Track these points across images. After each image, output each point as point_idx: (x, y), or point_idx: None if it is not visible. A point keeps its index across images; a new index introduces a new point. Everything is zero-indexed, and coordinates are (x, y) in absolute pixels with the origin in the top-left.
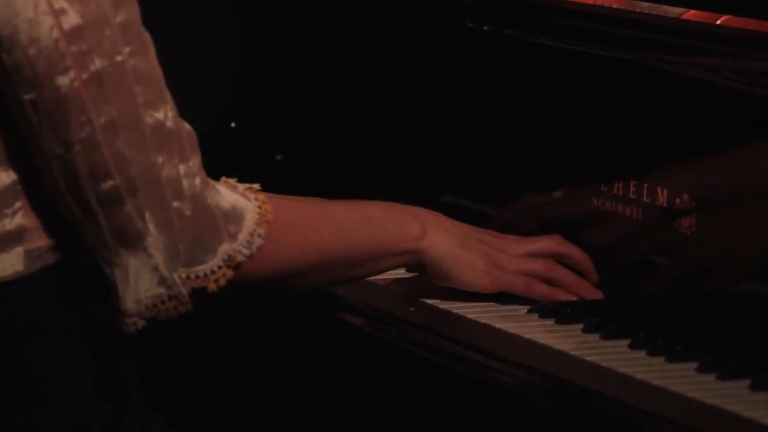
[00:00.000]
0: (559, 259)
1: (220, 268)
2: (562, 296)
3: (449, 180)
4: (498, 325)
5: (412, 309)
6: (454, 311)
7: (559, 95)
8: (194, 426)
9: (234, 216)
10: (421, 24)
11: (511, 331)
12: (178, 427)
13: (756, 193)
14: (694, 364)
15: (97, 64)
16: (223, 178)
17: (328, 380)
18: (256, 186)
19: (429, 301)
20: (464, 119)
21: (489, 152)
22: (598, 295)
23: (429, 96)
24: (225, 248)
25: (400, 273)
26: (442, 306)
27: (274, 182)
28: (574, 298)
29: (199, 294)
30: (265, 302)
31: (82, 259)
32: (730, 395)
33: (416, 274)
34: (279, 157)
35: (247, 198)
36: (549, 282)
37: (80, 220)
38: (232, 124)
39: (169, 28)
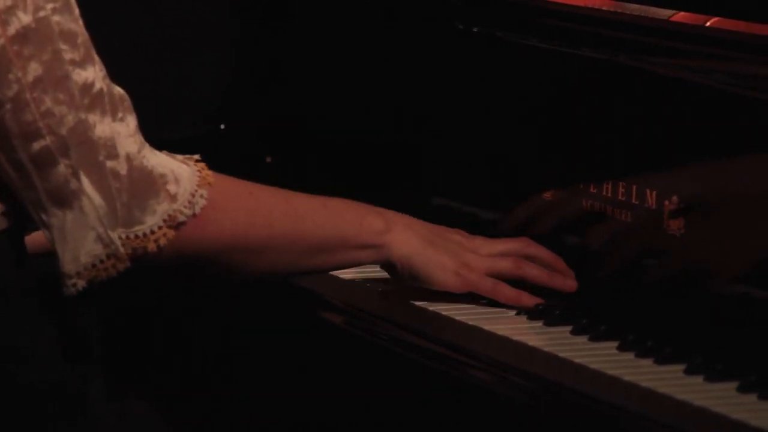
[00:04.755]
0: (528, 260)
1: (160, 228)
2: (527, 300)
3: (440, 182)
4: (487, 327)
5: (401, 311)
6: (443, 313)
7: (549, 97)
8: (173, 413)
9: (173, 177)
10: (412, 26)
11: (500, 333)
12: (157, 410)
13: (746, 195)
14: (683, 366)
15: (22, 19)
16: (164, 151)
17: (311, 379)
18: (196, 156)
19: (418, 303)
20: (455, 121)
21: (479, 154)
22: (571, 286)
23: (419, 98)
24: (165, 208)
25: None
26: (431, 308)
27: (264, 184)
28: (541, 301)
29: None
30: (250, 298)
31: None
32: (719, 397)
33: None
34: (269, 159)
35: (186, 164)
36: (520, 280)
37: (17, 182)
38: (222, 126)
39: (159, 32)
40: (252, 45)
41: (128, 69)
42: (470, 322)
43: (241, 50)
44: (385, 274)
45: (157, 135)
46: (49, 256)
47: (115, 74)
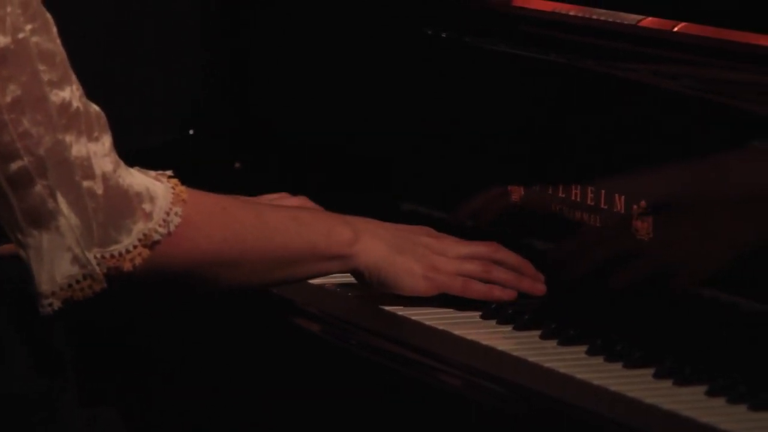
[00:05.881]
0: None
1: (135, 247)
2: (498, 293)
3: (409, 187)
4: (456, 332)
5: (370, 316)
6: (413, 318)
7: (518, 102)
8: (144, 422)
9: (148, 196)
10: (381, 31)
11: (469, 337)
12: (127, 418)
13: (713, 200)
14: (652, 370)
15: (0, 41)
16: (136, 167)
17: (281, 384)
18: (169, 172)
19: (387, 308)
20: (424, 126)
21: (448, 159)
22: (540, 289)
23: (389, 103)
24: (140, 227)
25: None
26: (400, 313)
27: (233, 190)
28: (514, 295)
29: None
30: (220, 306)
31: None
32: (688, 401)
33: None
34: (237, 165)
35: (160, 181)
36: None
37: None
38: (191, 132)
39: (128, 38)
40: (220, 50)
41: (95, 77)
42: (439, 327)
43: (208, 56)
44: (353, 279)
45: (125, 142)
46: (16, 258)
47: (82, 83)
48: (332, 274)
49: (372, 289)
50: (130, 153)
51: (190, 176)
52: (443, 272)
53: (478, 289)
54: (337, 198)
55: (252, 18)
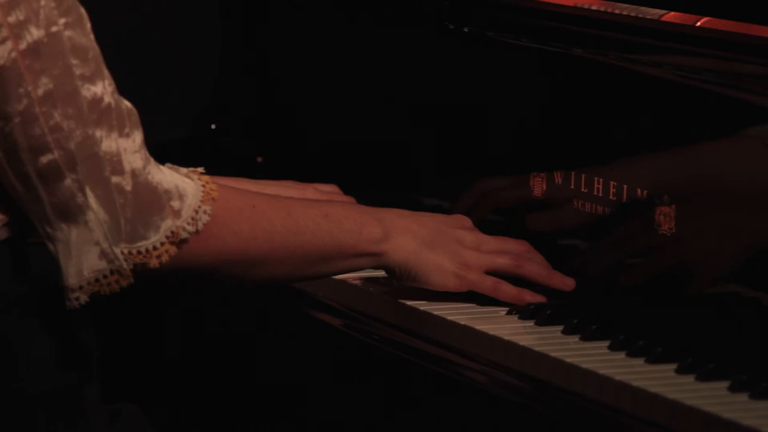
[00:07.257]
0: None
1: (162, 244)
2: (529, 297)
3: (431, 182)
4: (478, 327)
5: (392, 310)
6: (435, 313)
7: (540, 97)
8: (166, 416)
9: (177, 193)
10: (403, 26)
11: (491, 332)
12: (149, 413)
13: (735, 195)
14: (674, 366)
15: (34, 34)
16: (168, 164)
17: (303, 378)
18: (201, 169)
19: (409, 303)
20: (446, 121)
21: (471, 154)
22: (569, 284)
23: (410, 98)
24: (168, 224)
25: (380, 273)
26: (422, 308)
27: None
28: (543, 299)
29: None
30: (242, 299)
31: (33, 236)
32: (710, 396)
33: None
34: (259, 159)
35: (190, 178)
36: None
37: (22, 195)
38: (213, 126)
39: (150, 33)
40: (242, 44)
41: (117, 71)
42: (462, 322)
43: (231, 50)
44: (375, 273)
45: (147, 137)
46: (42, 244)
47: None
48: (362, 269)
49: (401, 283)
50: (153, 148)
51: (212, 171)
52: (474, 269)
53: (508, 292)
54: (360, 192)
55: (273, 12)
